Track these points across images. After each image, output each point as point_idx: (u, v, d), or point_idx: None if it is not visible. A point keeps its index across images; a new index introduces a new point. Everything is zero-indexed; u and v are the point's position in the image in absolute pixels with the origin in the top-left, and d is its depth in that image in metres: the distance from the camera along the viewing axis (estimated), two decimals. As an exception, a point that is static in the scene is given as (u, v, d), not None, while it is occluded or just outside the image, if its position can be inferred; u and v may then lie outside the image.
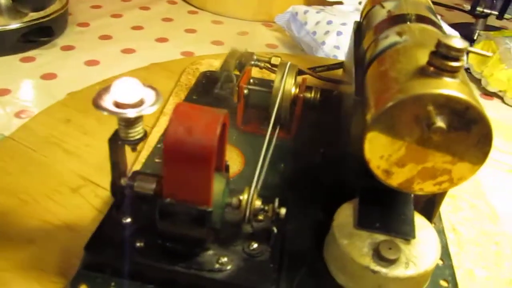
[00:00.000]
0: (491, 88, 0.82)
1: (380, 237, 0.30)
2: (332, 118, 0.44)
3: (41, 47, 0.77)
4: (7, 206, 0.36)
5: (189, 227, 0.29)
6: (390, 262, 0.28)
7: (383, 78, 0.28)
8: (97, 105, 0.27)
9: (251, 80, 0.47)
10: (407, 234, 0.30)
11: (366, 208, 0.31)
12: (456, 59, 0.25)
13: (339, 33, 0.77)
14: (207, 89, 0.52)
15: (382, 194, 0.32)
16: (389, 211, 0.31)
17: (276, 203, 0.30)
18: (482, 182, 0.43)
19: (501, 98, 0.85)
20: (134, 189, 0.30)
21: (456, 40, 0.24)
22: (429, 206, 0.34)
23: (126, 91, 0.27)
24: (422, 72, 0.25)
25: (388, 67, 0.29)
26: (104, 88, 0.28)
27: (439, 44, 0.25)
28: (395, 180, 0.27)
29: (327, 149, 0.42)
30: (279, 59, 0.49)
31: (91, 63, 0.75)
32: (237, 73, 0.47)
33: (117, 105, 0.28)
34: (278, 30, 0.95)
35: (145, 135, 0.29)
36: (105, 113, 0.27)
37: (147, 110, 0.27)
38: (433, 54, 0.25)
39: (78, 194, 0.38)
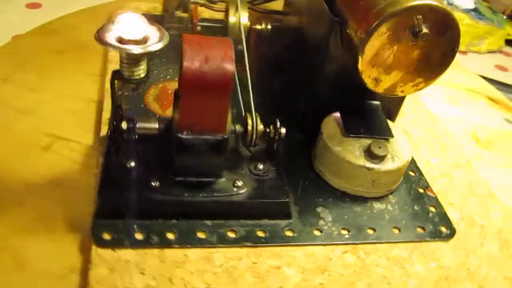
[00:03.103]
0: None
1: (366, 141, 0.34)
2: (282, 48, 0.46)
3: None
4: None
5: (208, 157, 0.30)
6: (381, 159, 0.33)
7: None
8: (101, 40, 0.26)
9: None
10: (387, 134, 0.35)
11: (349, 119, 0.35)
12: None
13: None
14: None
15: (358, 108, 0.37)
16: (367, 119, 0.36)
17: (278, 124, 0.32)
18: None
19: None
20: (137, 131, 0.30)
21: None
22: (390, 114, 0.39)
23: (131, 27, 0.26)
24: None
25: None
26: (107, 23, 0.26)
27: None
28: (382, 86, 0.31)
29: (284, 77, 0.45)
30: None
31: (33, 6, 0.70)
32: (182, 14, 0.47)
33: (121, 41, 0.27)
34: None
35: (148, 75, 0.29)
36: (111, 48, 0.26)
37: (153, 46, 0.27)
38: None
39: (52, 152, 0.35)
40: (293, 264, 0.29)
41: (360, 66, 0.30)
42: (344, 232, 0.32)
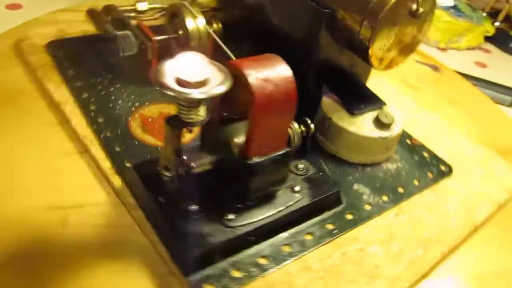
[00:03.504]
0: None
1: (370, 114, 0.38)
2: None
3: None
4: None
5: (276, 173, 0.30)
6: (389, 127, 0.37)
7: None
8: (160, 84, 0.23)
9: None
10: (382, 103, 0.39)
11: (346, 99, 0.38)
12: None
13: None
14: (82, 58, 0.44)
15: (347, 86, 0.40)
16: (359, 95, 0.39)
17: (308, 121, 0.33)
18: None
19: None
20: (195, 171, 0.28)
21: None
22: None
23: (191, 68, 0.24)
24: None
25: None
26: (163, 62, 0.24)
27: None
28: (384, 64, 0.35)
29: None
30: (145, 3, 0.46)
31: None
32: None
33: (180, 82, 0.24)
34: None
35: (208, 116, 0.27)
36: (171, 93, 0.24)
37: (216, 89, 0.25)
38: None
39: (71, 225, 0.31)
40: (369, 241, 0.32)
41: (371, 51, 0.33)
42: (385, 198, 0.36)
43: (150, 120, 0.39)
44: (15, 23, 0.44)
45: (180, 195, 0.29)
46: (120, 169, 0.34)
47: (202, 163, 0.28)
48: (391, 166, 0.39)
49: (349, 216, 0.34)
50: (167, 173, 0.28)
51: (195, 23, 0.41)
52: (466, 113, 0.51)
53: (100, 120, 0.38)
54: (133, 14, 0.45)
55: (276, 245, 0.30)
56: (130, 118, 0.39)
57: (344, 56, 0.38)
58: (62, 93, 0.40)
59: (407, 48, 0.35)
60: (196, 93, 0.24)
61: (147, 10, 0.46)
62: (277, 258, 0.30)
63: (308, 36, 0.36)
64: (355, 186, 0.36)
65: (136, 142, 0.36)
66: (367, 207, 0.35)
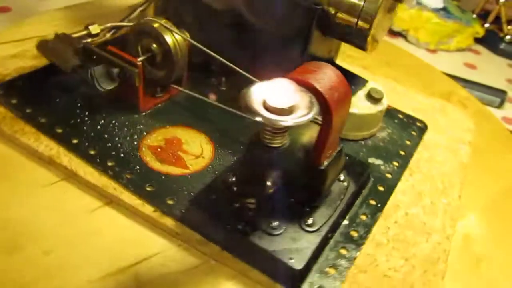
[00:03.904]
0: (395, 28, 0.88)
1: (359, 93, 0.42)
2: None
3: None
4: None
5: (338, 168, 0.32)
6: (380, 100, 0.42)
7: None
8: (250, 109, 0.23)
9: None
10: (364, 80, 0.43)
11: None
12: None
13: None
14: (43, 99, 0.39)
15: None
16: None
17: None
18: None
19: (405, 37, 0.92)
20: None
21: None
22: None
23: (280, 94, 0.24)
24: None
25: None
26: (251, 86, 0.24)
27: None
28: (373, 48, 0.38)
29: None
30: (96, 25, 0.42)
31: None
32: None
33: (267, 107, 0.24)
34: None
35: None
36: (259, 119, 0.24)
37: (306, 117, 0.24)
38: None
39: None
40: (407, 205, 0.36)
41: (369, 39, 0.36)
42: (395, 163, 0.40)
43: (159, 150, 0.37)
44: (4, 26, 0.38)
45: (257, 216, 0.29)
46: (167, 208, 0.32)
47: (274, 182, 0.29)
48: (384, 134, 0.44)
49: (381, 188, 0.37)
50: (249, 200, 0.28)
51: (173, 37, 0.39)
52: (402, 71, 0.58)
53: (110, 163, 0.35)
54: (90, 40, 0.41)
55: (345, 233, 0.33)
56: (139, 154, 0.36)
57: (325, 45, 0.41)
58: (46, 145, 0.35)
59: (386, 29, 0.40)
60: (290, 121, 0.24)
61: (100, 31, 0.42)
62: (352, 244, 0.32)
63: (298, 34, 0.38)
64: (370, 160, 0.40)
65: (163, 177, 0.34)
66: (389, 176, 0.39)
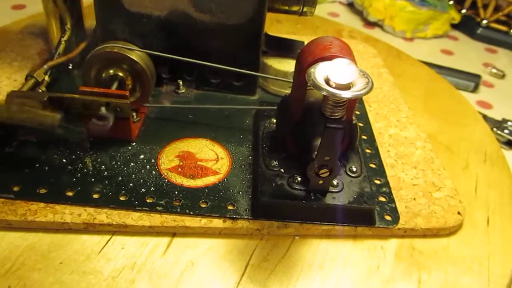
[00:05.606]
0: (371, 18, 0.86)
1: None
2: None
3: None
4: None
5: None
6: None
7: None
8: (317, 85, 0.27)
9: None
10: (302, 43, 0.48)
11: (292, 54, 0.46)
12: None
13: None
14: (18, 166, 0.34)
15: (280, 45, 0.46)
16: (288, 44, 0.47)
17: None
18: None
19: (381, 27, 0.88)
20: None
21: None
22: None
23: (342, 72, 0.28)
24: None
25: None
26: (314, 63, 0.27)
27: None
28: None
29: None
30: (38, 70, 0.38)
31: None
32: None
33: (328, 83, 0.28)
34: None
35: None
36: (324, 92, 0.28)
37: (362, 91, 0.28)
38: None
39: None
40: (383, 130, 0.44)
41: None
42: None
43: (180, 169, 0.37)
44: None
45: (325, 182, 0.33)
46: (234, 213, 0.33)
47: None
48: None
49: (361, 124, 0.44)
50: (323, 170, 0.32)
51: (138, 56, 0.38)
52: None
53: (149, 200, 0.33)
54: (44, 89, 0.36)
55: (367, 169, 0.39)
56: (167, 180, 0.35)
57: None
58: (71, 212, 0.32)
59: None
60: (347, 94, 0.28)
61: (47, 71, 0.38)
62: (378, 175, 0.39)
63: (251, 19, 0.40)
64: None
65: (206, 190, 0.35)
66: (358, 113, 0.46)
